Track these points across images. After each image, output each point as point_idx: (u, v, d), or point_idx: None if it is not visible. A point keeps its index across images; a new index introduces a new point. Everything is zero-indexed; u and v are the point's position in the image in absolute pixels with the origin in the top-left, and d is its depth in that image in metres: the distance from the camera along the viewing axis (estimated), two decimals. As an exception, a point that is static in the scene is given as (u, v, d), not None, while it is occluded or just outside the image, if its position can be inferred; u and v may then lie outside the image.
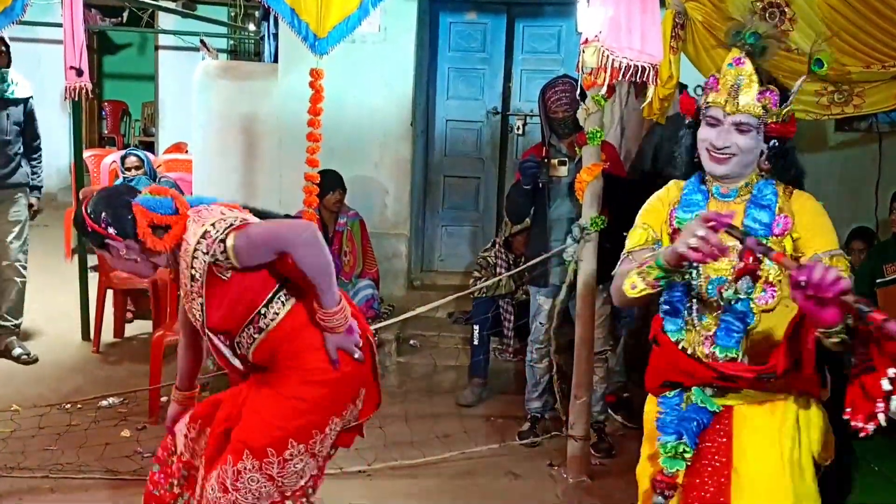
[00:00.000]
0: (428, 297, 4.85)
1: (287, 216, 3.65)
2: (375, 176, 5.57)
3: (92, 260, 5.56)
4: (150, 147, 10.46)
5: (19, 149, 4.85)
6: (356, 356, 2.36)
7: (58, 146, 10.95)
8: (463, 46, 5.98)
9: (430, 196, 6.12)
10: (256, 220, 2.29)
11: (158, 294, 4.96)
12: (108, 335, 5.44)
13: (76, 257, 6.79)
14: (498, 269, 4.82)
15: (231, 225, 2.19)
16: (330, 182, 4.70)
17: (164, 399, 4.35)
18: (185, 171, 6.90)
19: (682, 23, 3.73)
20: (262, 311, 2.28)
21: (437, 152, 6.07)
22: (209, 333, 2.32)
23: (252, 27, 9.95)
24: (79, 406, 4.36)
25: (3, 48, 4.45)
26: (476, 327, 4.77)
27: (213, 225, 2.19)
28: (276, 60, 6.02)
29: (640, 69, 2.69)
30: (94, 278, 5.47)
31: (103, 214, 2.27)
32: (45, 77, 10.54)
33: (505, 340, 4.99)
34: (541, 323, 4.12)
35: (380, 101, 5.45)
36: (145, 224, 2.25)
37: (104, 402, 4.45)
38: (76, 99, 3.58)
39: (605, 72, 2.70)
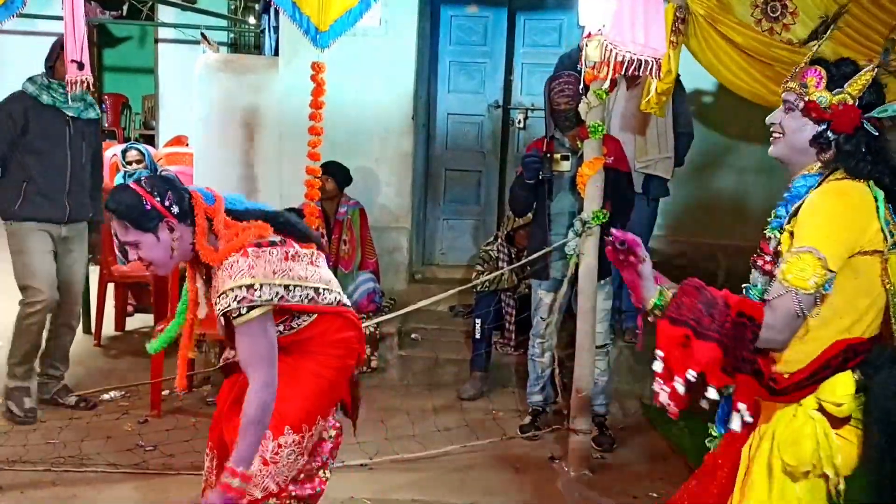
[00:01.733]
0: (429, 291, 4.86)
1: (292, 210, 3.67)
2: (377, 169, 5.56)
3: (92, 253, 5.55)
4: (150, 140, 10.44)
5: (89, 176, 4.25)
6: None
7: (58, 139, 10.95)
8: (464, 40, 5.96)
9: (432, 190, 6.11)
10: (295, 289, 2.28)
11: (159, 288, 4.97)
12: (109, 329, 5.45)
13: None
14: (500, 263, 4.81)
15: (268, 301, 2.19)
16: (325, 169, 4.68)
17: (165, 392, 4.36)
18: (185, 164, 6.88)
19: (683, 17, 3.73)
20: (294, 316, 2.34)
21: (438, 146, 6.07)
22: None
23: (252, 20, 9.93)
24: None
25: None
26: (478, 321, 4.77)
27: (260, 287, 2.17)
28: (276, 54, 6.00)
29: (643, 63, 2.68)
30: (94, 271, 5.46)
31: (168, 193, 2.22)
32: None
33: (506, 334, 4.99)
34: (542, 317, 4.12)
35: (381, 95, 5.44)
36: (203, 214, 2.24)
37: (106, 396, 4.46)
38: (77, 92, 3.55)
39: (609, 66, 2.69)
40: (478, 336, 4.78)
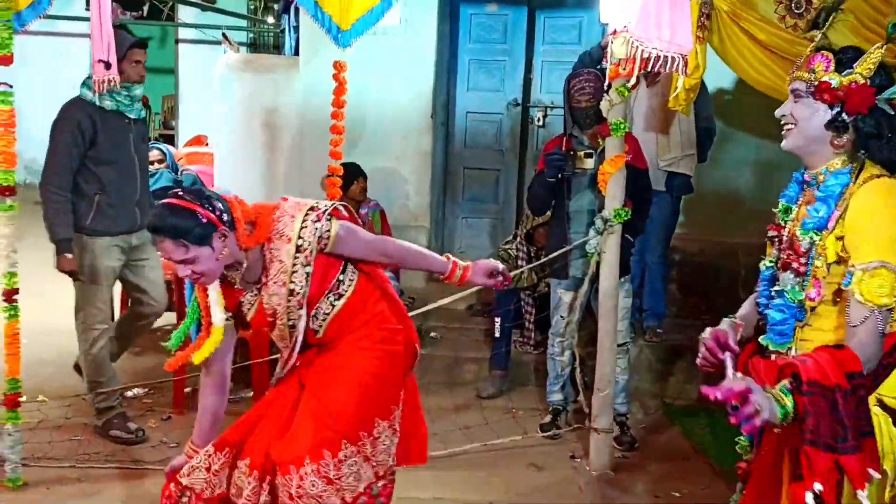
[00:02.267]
0: (448, 290, 4.83)
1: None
2: (396, 168, 5.57)
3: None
4: (170, 140, 10.51)
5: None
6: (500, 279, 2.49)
7: (80, 139, 11.06)
8: (484, 38, 5.96)
9: (451, 188, 6.12)
10: None
11: (181, 285, 4.99)
12: (131, 327, 5.48)
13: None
14: (519, 262, 4.81)
15: (332, 205, 2.34)
16: (352, 172, 4.72)
17: (188, 390, 4.39)
18: (205, 163, 6.92)
19: (707, 13, 3.70)
20: (340, 278, 2.38)
21: (457, 144, 6.07)
22: (291, 313, 2.33)
23: (271, 20, 9.98)
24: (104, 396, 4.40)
25: (140, 60, 3.82)
26: (497, 320, 4.76)
27: (316, 204, 2.32)
28: (296, 53, 6.04)
29: (669, 59, 2.67)
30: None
31: (216, 203, 2.24)
32: (68, 71, 10.64)
33: (526, 333, 4.98)
34: (561, 316, 4.12)
35: (400, 94, 5.45)
36: (237, 211, 2.28)
37: (129, 393, 4.50)
38: (104, 92, 3.58)
39: (634, 62, 2.68)
40: (497, 335, 4.78)
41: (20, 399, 3.47)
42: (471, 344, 5.14)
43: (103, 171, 3.80)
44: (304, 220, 2.27)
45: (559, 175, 3.88)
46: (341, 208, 2.40)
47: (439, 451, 3.91)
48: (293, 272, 2.28)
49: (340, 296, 2.38)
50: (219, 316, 2.35)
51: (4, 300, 3.40)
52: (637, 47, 2.66)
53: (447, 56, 5.88)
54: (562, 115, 5.25)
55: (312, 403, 2.36)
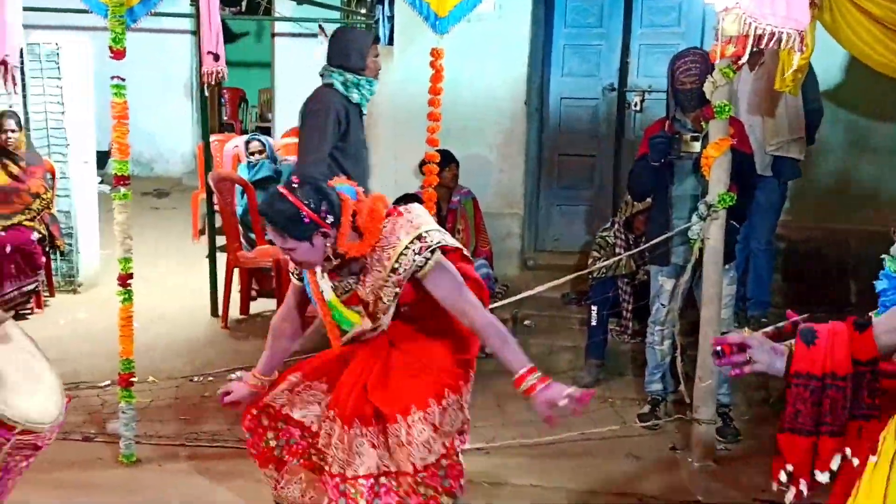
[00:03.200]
0: (542, 278, 4.81)
1: (411, 197, 3.74)
2: (489, 155, 5.56)
3: (220, 241, 5.80)
4: (266, 132, 10.79)
5: None
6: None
7: (182, 132, 11.47)
8: (579, 22, 5.87)
9: (545, 175, 6.06)
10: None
11: (282, 273, 5.13)
12: (234, 312, 5.66)
13: (203, 238, 7.13)
14: (617, 249, 4.73)
15: (439, 243, 2.34)
16: (444, 159, 4.72)
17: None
18: (302, 153, 7.07)
19: (818, -11, 3.52)
20: None
21: (551, 130, 6.00)
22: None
23: (364, 11, 10.08)
24: (210, 378, 4.57)
25: (378, 55, 3.81)
26: (594, 308, 4.70)
27: (427, 232, 2.33)
28: (390, 43, 6.07)
29: (784, 36, 2.55)
30: (221, 258, 5.70)
31: (323, 203, 2.29)
32: (170, 66, 11.05)
33: (623, 321, 4.90)
34: (662, 304, 4.02)
35: (494, 80, 5.43)
36: (348, 214, 2.34)
37: (233, 376, 4.59)
38: (213, 83, 3.69)
39: (746, 40, 2.57)
40: (594, 323, 4.71)
41: (133, 379, 3.62)
42: (566, 333, 5.09)
43: (348, 163, 3.74)
44: (406, 248, 2.31)
45: (663, 159, 3.78)
46: (452, 247, 2.42)
47: (535, 438, 3.90)
48: (384, 286, 2.36)
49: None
50: (329, 293, 2.46)
51: (119, 284, 3.56)
52: (750, 24, 2.56)
53: (541, 41, 5.81)
54: (659, 100, 5.14)
55: (409, 358, 2.49)
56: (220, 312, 5.58)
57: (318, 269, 2.47)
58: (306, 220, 2.25)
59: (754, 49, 2.87)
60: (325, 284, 2.48)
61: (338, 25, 10.77)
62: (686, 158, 3.81)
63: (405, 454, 2.40)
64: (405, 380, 2.47)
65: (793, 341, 1.76)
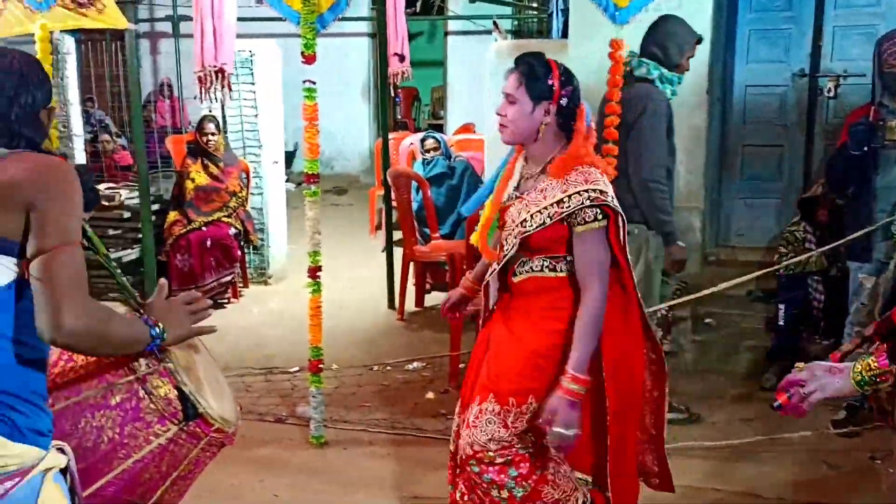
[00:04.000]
0: (724, 274, 4.59)
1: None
2: (667, 147, 5.37)
3: (396, 235, 6.01)
4: (438, 129, 11.04)
5: None
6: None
7: (360, 131, 11.97)
8: (765, 6, 5.56)
9: (727, 167, 5.79)
10: None
11: (456, 266, 5.23)
12: (409, 304, 5.83)
13: (379, 233, 7.41)
14: (806, 245, 4.44)
15: (616, 212, 2.27)
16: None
17: (462, 366, 4.58)
18: (474, 150, 7.18)
19: None
20: (562, 257, 2.34)
21: (734, 120, 5.73)
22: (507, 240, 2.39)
23: (535, 5, 10.07)
24: (388, 368, 4.74)
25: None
26: (781, 307, 4.46)
27: (610, 199, 2.27)
28: (563, 36, 6.02)
29: None
30: (397, 252, 5.89)
31: (569, 88, 2.31)
32: (349, 67, 11.54)
33: (813, 321, 4.60)
34: (862, 303, 3.75)
35: (674, 70, 5.23)
36: (581, 126, 2.33)
37: (409, 366, 4.79)
38: (398, 83, 3.82)
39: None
40: (781, 322, 4.47)
41: (321, 366, 3.82)
42: (750, 332, 4.85)
43: (670, 161, 3.78)
44: (585, 191, 2.24)
45: (865, 148, 3.51)
46: (620, 221, 2.31)
47: (717, 440, 3.75)
48: (537, 211, 2.30)
49: (553, 269, 2.34)
50: (510, 191, 2.46)
51: (309, 276, 3.76)
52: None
53: (724, 28, 5.56)
54: (856, 85, 4.79)
55: (490, 356, 2.44)
56: (396, 305, 5.77)
57: (521, 161, 2.48)
58: (549, 82, 2.29)
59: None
60: (514, 182, 2.47)
61: (512, 21, 10.87)
62: (891, 147, 3.52)
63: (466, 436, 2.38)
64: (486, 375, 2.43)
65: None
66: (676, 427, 3.86)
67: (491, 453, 2.34)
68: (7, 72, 1.71)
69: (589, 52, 4.78)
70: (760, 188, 5.72)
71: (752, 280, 4.40)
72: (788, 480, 3.45)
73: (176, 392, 1.86)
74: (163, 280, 2.00)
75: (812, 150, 5.47)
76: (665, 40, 3.69)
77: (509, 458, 2.34)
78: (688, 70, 3.69)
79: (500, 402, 2.33)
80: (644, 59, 3.67)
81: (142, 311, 1.87)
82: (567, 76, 2.33)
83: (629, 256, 2.37)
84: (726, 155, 5.78)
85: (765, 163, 5.69)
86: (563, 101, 2.30)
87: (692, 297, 4.34)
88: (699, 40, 3.71)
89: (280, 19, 3.77)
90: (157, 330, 1.79)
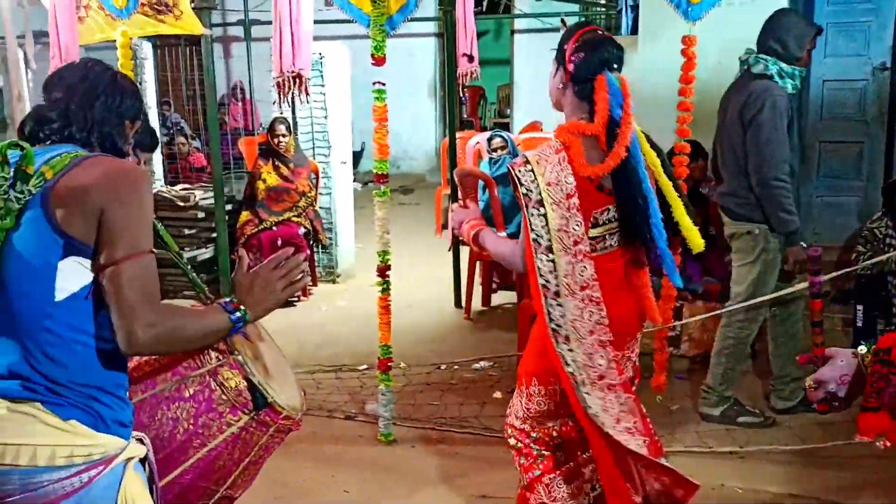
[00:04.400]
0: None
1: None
2: (740, 145, 5.25)
3: (463, 234, 6.00)
4: (504, 127, 11.02)
5: None
6: None
7: (427, 130, 12.03)
8: (844, -1, 5.41)
9: (804, 163, 5.63)
10: None
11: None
12: (476, 304, 5.84)
13: (445, 232, 7.44)
14: (888, 242, 4.30)
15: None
16: (693, 151, 4.54)
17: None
18: (541, 148, 7.12)
19: None
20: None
21: (811, 116, 5.59)
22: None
23: (603, 1, 9.97)
24: (455, 367, 4.76)
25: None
26: (859, 308, 4.32)
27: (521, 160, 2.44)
28: (632, 32, 5.95)
29: None
30: (463, 251, 5.90)
31: (582, 55, 2.34)
32: (415, 68, 11.61)
33: (894, 322, 4.44)
34: (947, 305, 3.60)
35: (746, 66, 5.11)
36: (603, 104, 2.33)
37: (476, 365, 4.79)
38: (467, 83, 3.83)
39: None
40: (859, 324, 4.34)
41: (390, 364, 3.85)
42: (827, 335, 4.67)
43: (793, 158, 3.74)
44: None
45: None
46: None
47: (794, 444, 3.65)
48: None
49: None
50: None
51: (378, 275, 3.80)
52: None
53: (801, 22, 5.41)
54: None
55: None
56: (463, 304, 5.78)
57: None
58: (564, 46, 2.36)
59: None
60: None
61: (580, 17, 10.77)
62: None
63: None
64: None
65: None
66: (751, 431, 3.79)
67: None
68: (100, 77, 1.80)
69: (658, 48, 4.73)
70: (838, 185, 5.57)
71: (828, 281, 4.27)
72: (868, 487, 3.34)
73: (245, 383, 1.91)
74: (242, 251, 1.99)
75: (894, 146, 5.28)
76: (784, 34, 3.62)
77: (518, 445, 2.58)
78: (809, 63, 3.56)
79: (541, 384, 2.51)
80: (761, 56, 3.61)
81: (215, 300, 1.87)
82: (585, 44, 2.34)
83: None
84: (803, 151, 5.62)
85: (843, 160, 5.53)
86: (571, 67, 2.32)
87: (765, 298, 4.23)
88: (819, 31, 3.61)
89: (349, 21, 3.82)
90: (238, 314, 1.72)
